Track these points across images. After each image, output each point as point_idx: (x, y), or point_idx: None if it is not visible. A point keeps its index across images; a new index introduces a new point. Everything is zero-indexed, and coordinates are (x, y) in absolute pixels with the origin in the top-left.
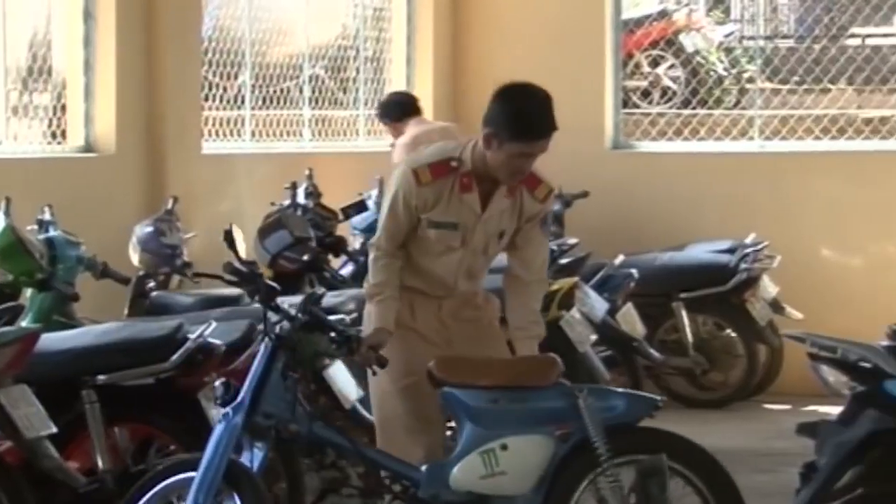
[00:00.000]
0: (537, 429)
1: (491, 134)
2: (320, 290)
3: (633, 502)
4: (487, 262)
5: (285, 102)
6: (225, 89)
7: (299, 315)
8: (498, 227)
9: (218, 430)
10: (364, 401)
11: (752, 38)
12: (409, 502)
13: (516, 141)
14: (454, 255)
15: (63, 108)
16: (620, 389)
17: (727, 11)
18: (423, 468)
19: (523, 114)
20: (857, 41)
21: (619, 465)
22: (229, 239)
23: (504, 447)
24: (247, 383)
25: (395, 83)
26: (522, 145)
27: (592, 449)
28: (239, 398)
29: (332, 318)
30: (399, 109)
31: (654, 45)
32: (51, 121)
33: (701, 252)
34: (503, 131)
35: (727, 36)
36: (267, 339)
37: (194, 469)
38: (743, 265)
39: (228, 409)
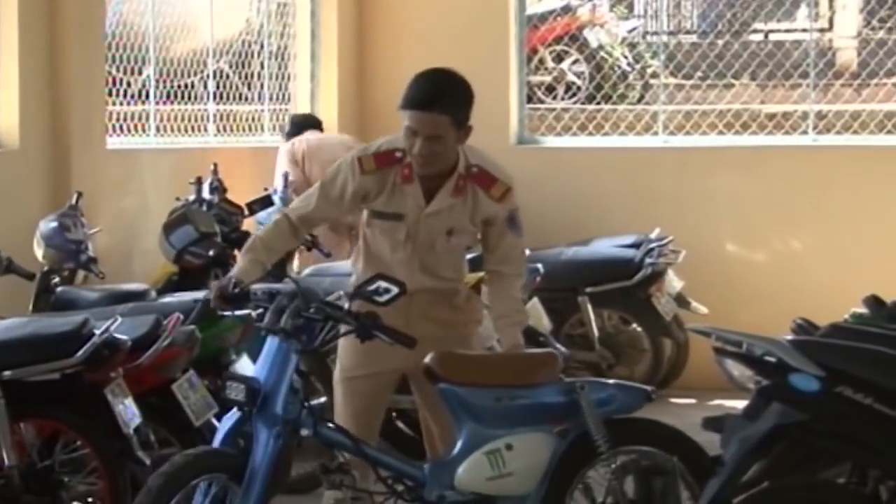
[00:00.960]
0: (539, 426)
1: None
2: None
3: (633, 498)
4: (442, 259)
5: (190, 98)
6: (129, 84)
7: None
8: (445, 224)
9: (267, 441)
10: None
11: (655, 33)
12: (414, 503)
13: (402, 109)
14: (404, 250)
15: None
16: (613, 381)
17: (631, 7)
18: (426, 468)
19: (410, 84)
20: (759, 37)
21: (617, 458)
22: None
23: (509, 447)
24: (273, 386)
25: (300, 78)
26: (408, 116)
27: (592, 443)
28: (278, 405)
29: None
30: (297, 125)
31: (558, 40)
32: None
33: (606, 247)
34: (400, 101)
35: (631, 31)
36: (281, 337)
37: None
38: (648, 260)
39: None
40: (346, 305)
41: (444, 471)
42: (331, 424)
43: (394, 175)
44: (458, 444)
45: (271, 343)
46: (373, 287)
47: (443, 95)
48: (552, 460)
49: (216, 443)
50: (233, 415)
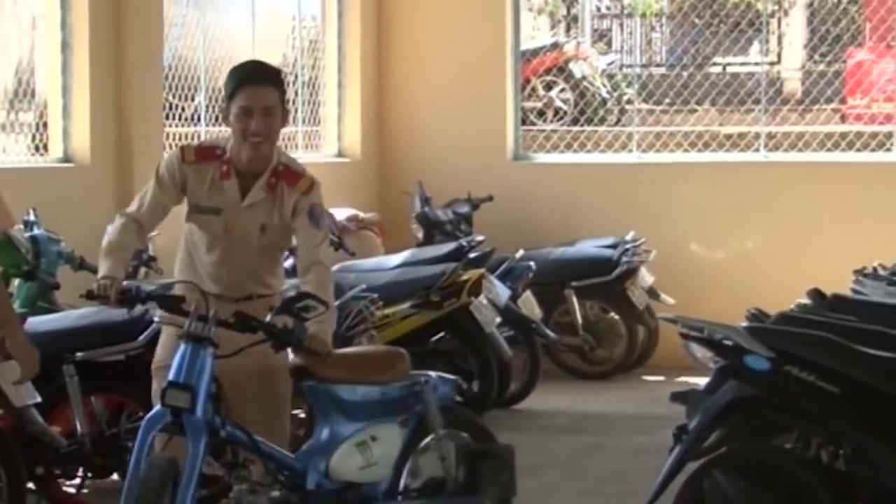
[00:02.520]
0: (392, 417)
1: (224, 108)
2: None
3: (461, 478)
4: (256, 259)
5: None
6: (183, 109)
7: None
8: (258, 219)
9: (198, 443)
10: None
11: (630, 66)
12: (297, 492)
13: (235, 94)
14: (220, 246)
15: (45, 124)
16: (435, 374)
17: (609, 43)
18: (297, 459)
19: (237, 67)
20: (718, 69)
21: (444, 441)
22: None
23: (374, 438)
24: (202, 392)
25: (329, 103)
26: (241, 97)
27: (430, 429)
28: (199, 410)
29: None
30: None
31: (547, 71)
32: (34, 136)
33: (588, 247)
34: (227, 92)
35: (609, 64)
36: (204, 343)
37: None
38: (624, 258)
39: (193, 418)
40: (269, 317)
41: (318, 462)
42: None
43: (213, 171)
44: (324, 435)
45: (190, 348)
46: (301, 304)
47: (272, 72)
48: (402, 447)
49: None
50: (160, 417)
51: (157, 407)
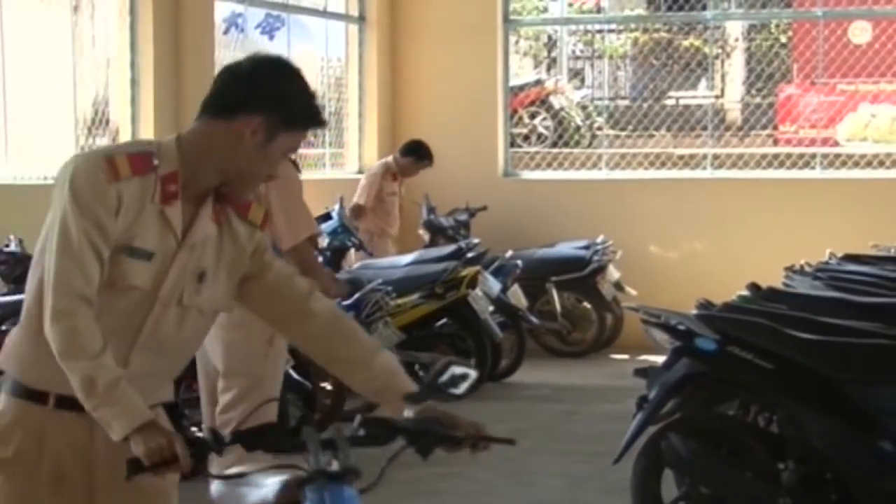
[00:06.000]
0: None
1: (261, 123)
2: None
3: None
4: (188, 329)
5: None
6: None
7: None
8: (198, 263)
9: None
10: None
11: (600, 99)
12: None
13: (294, 126)
14: (140, 312)
15: None
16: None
17: (583, 80)
18: None
19: (313, 100)
20: (672, 101)
21: None
22: None
23: None
24: None
25: (350, 129)
26: (297, 136)
27: None
28: None
29: None
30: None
31: (531, 103)
32: None
33: (566, 248)
34: (284, 116)
35: (583, 97)
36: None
37: None
38: (595, 257)
39: None
40: (406, 411)
41: None
42: None
43: (152, 191)
44: None
45: (328, 496)
46: (447, 376)
47: None
48: None
49: None
50: None
51: None
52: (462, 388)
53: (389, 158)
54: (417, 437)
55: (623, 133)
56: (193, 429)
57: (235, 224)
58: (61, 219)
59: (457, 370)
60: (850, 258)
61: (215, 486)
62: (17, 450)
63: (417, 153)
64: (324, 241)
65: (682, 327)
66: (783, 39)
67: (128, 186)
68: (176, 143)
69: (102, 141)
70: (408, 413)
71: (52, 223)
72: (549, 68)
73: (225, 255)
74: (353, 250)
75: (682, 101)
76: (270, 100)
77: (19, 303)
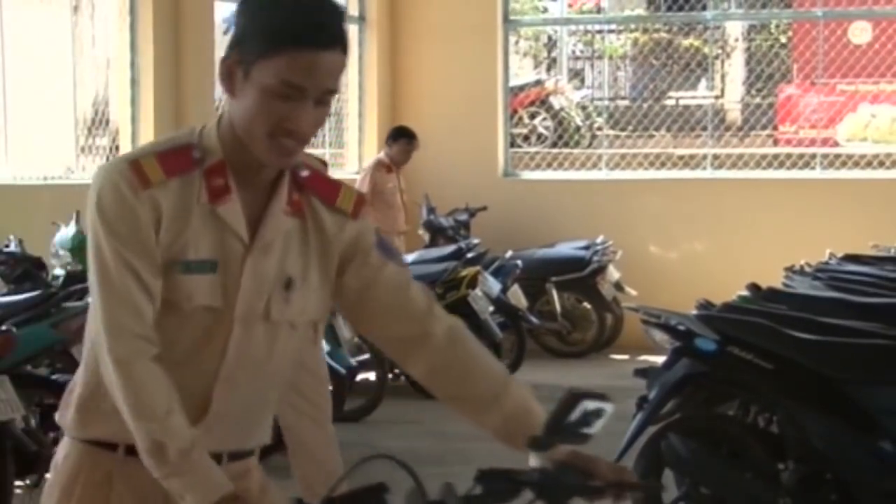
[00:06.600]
0: None
1: (233, 62)
2: None
3: None
4: (274, 349)
5: None
6: None
7: None
8: (281, 267)
9: None
10: None
11: (600, 99)
12: None
13: (274, 51)
14: (217, 336)
15: (117, 148)
16: None
17: (583, 80)
18: None
19: (287, 5)
20: (672, 101)
21: None
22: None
23: None
24: None
25: (350, 129)
26: (289, 62)
27: None
28: None
29: None
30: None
31: (531, 104)
32: (108, 157)
33: (565, 248)
34: (252, 44)
35: (582, 98)
36: None
37: None
38: (595, 258)
39: None
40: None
41: None
42: None
43: (196, 190)
44: None
45: None
46: (577, 414)
47: (342, 22)
48: None
49: None
50: None
51: None
52: (597, 426)
53: (380, 154)
54: (548, 489)
55: (623, 133)
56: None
57: (321, 214)
58: (94, 247)
59: (589, 405)
60: (850, 258)
61: None
62: (81, 494)
63: (397, 134)
64: None
65: (682, 327)
66: (783, 39)
67: (164, 191)
68: (216, 127)
69: (102, 141)
70: (533, 461)
71: (89, 253)
72: (549, 68)
73: (313, 254)
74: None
75: (682, 102)
76: (238, 26)
77: (19, 303)
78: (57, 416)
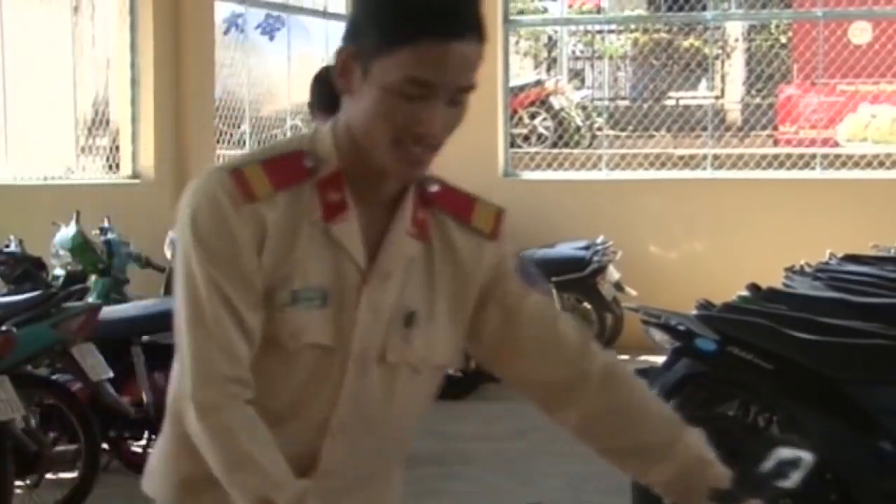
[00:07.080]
0: None
1: (349, 55)
2: None
3: None
4: (393, 396)
5: None
6: (231, 135)
7: None
8: (401, 300)
9: None
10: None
11: (600, 99)
12: None
13: (398, 45)
14: (323, 374)
15: (117, 148)
16: None
17: (583, 80)
18: None
19: None
20: (672, 101)
21: None
22: None
23: None
24: None
25: None
26: (413, 53)
27: None
28: None
29: None
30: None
31: (531, 104)
32: (108, 157)
33: (566, 249)
34: (371, 33)
35: (583, 98)
36: None
37: None
38: (595, 258)
39: None
40: None
41: None
42: None
43: (306, 206)
44: None
45: None
46: (771, 464)
47: (478, 4)
48: None
49: None
50: None
51: None
52: (794, 479)
53: None
54: None
55: (623, 133)
56: None
57: (453, 236)
58: (185, 273)
59: (784, 453)
60: (850, 258)
61: None
62: None
63: None
64: None
65: (682, 327)
66: (783, 40)
67: (271, 206)
68: (331, 131)
69: (102, 141)
70: None
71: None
72: (549, 69)
73: (441, 285)
74: None
75: (682, 102)
76: (355, 12)
77: (19, 303)
78: (143, 485)
